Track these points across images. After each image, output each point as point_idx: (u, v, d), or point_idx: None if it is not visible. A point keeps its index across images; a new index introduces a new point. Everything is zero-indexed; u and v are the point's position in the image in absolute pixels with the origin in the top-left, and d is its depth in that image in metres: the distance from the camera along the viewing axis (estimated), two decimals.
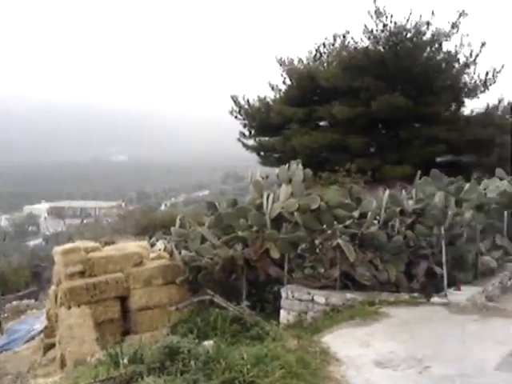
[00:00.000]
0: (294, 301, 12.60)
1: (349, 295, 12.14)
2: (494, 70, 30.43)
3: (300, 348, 8.63)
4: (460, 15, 28.73)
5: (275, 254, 13.10)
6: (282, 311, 12.70)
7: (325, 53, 34.20)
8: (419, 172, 16.32)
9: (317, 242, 13.85)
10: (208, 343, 8.10)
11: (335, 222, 13.32)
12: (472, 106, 32.74)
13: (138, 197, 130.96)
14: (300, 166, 14.35)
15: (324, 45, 34.00)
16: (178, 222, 15.99)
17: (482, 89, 30.96)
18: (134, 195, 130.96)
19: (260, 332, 9.38)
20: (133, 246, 16.38)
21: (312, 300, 12.36)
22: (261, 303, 13.47)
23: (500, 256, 15.06)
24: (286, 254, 13.30)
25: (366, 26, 29.76)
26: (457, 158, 32.47)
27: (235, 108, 35.45)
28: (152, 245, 17.68)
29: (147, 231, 25.03)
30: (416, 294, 12.05)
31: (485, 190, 17.26)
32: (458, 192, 15.48)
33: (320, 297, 12.29)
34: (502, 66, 30.50)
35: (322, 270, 13.55)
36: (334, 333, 10.00)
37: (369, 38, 30.09)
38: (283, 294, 12.78)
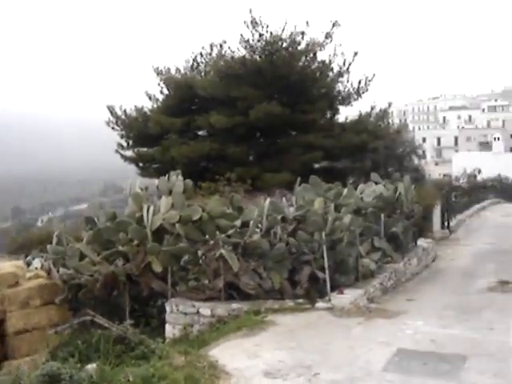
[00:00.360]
0: (178, 314, 12.33)
1: (234, 305, 12.04)
2: (366, 78, 31.72)
3: (188, 364, 8.38)
4: (333, 25, 29.67)
5: (158, 268, 12.74)
6: (167, 326, 12.40)
7: (202, 62, 34.12)
8: (299, 179, 16.54)
9: (200, 253, 13.65)
10: (91, 367, 7.69)
11: (218, 232, 13.18)
12: (346, 114, 33.97)
13: (12, 213, 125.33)
14: (180, 176, 14.09)
15: (201, 54, 33.92)
16: (54, 239, 15.21)
17: (356, 96, 32.15)
18: (9, 211, 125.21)
19: (145, 351, 9.01)
20: (7, 265, 15.36)
21: (197, 312, 12.15)
22: (145, 318, 13.04)
23: (379, 258, 15.62)
24: (169, 266, 13.00)
25: (242, 35, 30.02)
26: (333, 164, 33.47)
27: (112, 119, 34.51)
28: (28, 264, 16.70)
29: (23, 249, 23.72)
30: (301, 300, 12.16)
31: (361, 194, 17.84)
32: (337, 197, 15.85)
33: (205, 309, 12.10)
34: (374, 75, 31.85)
35: (207, 282, 13.36)
36: (222, 345, 9.83)
37: (245, 48, 30.35)
38: (167, 308, 12.47)
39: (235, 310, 11.84)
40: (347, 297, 12.38)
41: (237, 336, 10.30)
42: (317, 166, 32.21)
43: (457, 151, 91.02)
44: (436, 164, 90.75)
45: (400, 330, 10.34)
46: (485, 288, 15.54)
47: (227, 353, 9.28)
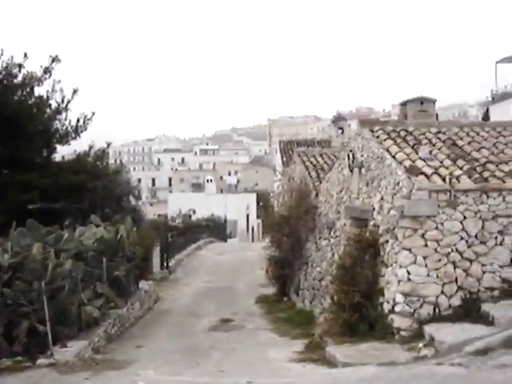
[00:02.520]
0: None
1: None
2: (85, 117, 30.90)
3: None
4: (53, 60, 28.46)
5: None
6: None
7: None
8: (14, 223, 15.29)
9: None
10: None
11: None
12: (64, 152, 32.68)
13: None
14: None
15: None
16: None
17: (74, 135, 31.07)
18: None
19: None
20: None
21: None
22: None
23: (102, 304, 15.00)
24: None
25: None
26: (50, 205, 31.82)
27: None
28: None
29: None
30: (20, 358, 11.00)
31: (82, 237, 17.16)
32: (57, 242, 15.03)
33: None
34: (93, 114, 31.19)
35: None
36: None
37: None
38: None
39: None
40: (71, 349, 11.56)
41: None
42: (32, 207, 30.28)
43: (171, 192, 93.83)
44: (151, 204, 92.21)
45: (132, 381, 9.83)
46: (209, 327, 15.91)
47: None
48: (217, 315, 17.59)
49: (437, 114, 18.82)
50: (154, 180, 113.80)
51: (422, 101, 17.51)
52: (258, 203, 67.95)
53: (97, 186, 31.54)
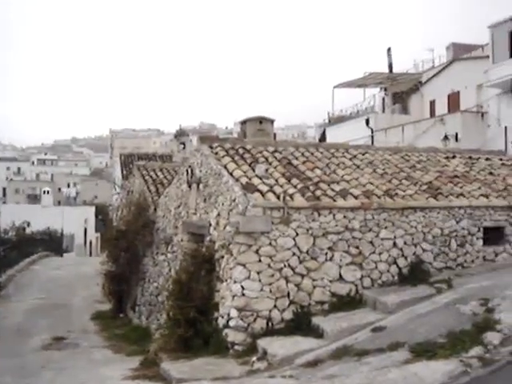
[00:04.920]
0: None
1: None
2: None
3: None
4: None
5: None
6: None
7: None
8: None
9: None
10: None
11: None
12: None
13: None
14: None
15: None
16: None
17: None
18: None
19: None
20: None
21: None
22: None
23: None
24: None
25: None
26: None
27: None
28: None
29: None
30: None
31: None
32: None
33: None
34: None
35: None
36: None
37: None
38: None
39: None
40: None
41: None
42: None
43: (5, 203, 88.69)
44: None
45: None
46: (41, 346, 15.20)
47: None
48: (50, 333, 16.83)
49: (275, 134, 19.52)
50: None
51: (261, 120, 18.06)
52: (97, 217, 66.22)
53: None
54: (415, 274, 12.61)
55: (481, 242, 13.71)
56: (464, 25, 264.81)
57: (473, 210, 13.65)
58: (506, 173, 16.27)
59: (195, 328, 11.69)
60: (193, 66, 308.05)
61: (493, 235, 13.89)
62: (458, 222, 13.45)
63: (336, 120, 39.18)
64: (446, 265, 13.21)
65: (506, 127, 27.05)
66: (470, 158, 17.11)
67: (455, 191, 14.07)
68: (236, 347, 11.01)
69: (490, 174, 15.99)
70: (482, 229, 13.75)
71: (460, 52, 36.37)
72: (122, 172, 33.85)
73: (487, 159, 17.31)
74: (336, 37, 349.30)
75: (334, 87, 39.58)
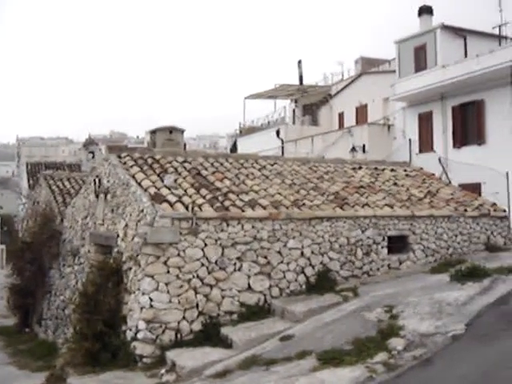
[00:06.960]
0: None
1: None
2: None
3: None
4: None
5: None
6: None
7: None
8: None
9: None
10: None
11: None
12: None
13: None
14: None
15: None
16: None
17: None
18: None
19: None
20: None
21: None
22: None
23: None
24: None
25: None
26: None
27: None
28: None
29: None
30: None
31: None
32: None
33: None
34: None
35: None
36: None
37: None
38: None
39: None
40: None
41: None
42: None
43: None
44: None
45: None
46: None
47: None
48: None
49: (185, 144, 19.46)
50: None
51: (170, 130, 17.94)
52: (1, 228, 63.68)
53: None
54: (322, 283, 12.86)
55: (386, 250, 14.15)
56: (373, 40, 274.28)
57: (378, 219, 14.09)
58: (410, 183, 16.93)
59: (103, 341, 11.42)
60: (103, 74, 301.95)
61: (397, 244, 14.39)
62: (363, 232, 13.84)
63: (247, 131, 39.54)
64: (353, 273, 13.55)
65: (410, 139, 28.23)
66: (376, 168, 17.70)
67: (361, 201, 14.49)
68: (144, 360, 10.86)
69: (395, 184, 16.59)
70: (386, 238, 14.20)
71: (368, 66, 37.64)
72: (29, 181, 32.79)
73: (392, 170, 17.96)
74: (248, 48, 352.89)
75: (246, 98, 39.97)
